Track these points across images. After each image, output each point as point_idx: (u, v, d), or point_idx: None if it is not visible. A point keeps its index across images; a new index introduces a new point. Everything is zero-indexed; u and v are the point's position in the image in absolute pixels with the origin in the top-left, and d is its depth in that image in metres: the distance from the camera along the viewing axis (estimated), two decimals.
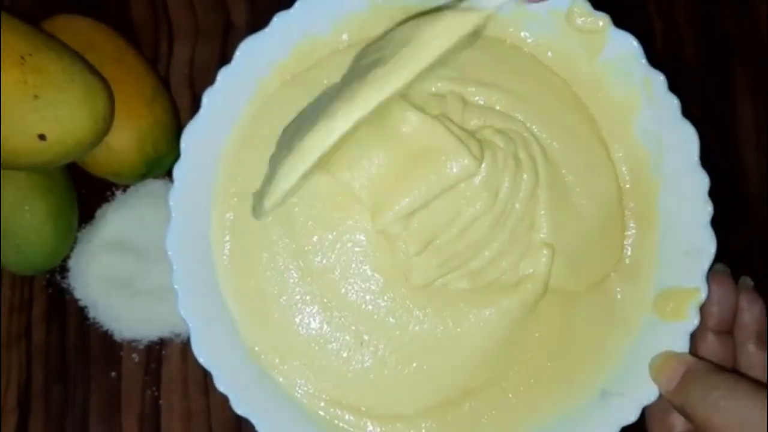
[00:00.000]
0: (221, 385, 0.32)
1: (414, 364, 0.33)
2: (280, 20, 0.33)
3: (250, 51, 0.33)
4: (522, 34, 0.34)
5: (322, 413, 0.33)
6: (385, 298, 0.33)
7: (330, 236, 0.33)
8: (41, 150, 0.32)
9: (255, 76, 0.34)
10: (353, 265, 0.33)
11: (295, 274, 0.33)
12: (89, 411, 0.41)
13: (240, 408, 0.32)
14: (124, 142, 0.37)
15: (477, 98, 0.34)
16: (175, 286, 0.32)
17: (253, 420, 0.32)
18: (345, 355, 0.33)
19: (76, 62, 0.33)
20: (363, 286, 0.33)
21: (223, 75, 0.33)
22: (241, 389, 0.32)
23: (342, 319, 0.33)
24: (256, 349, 0.33)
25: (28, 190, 0.37)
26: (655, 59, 0.33)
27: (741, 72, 0.45)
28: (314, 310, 0.33)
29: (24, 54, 0.31)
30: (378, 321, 0.33)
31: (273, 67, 0.34)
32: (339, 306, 0.33)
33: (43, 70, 0.31)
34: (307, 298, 0.33)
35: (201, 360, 0.32)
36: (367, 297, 0.33)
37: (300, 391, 0.33)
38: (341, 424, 0.33)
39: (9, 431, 0.41)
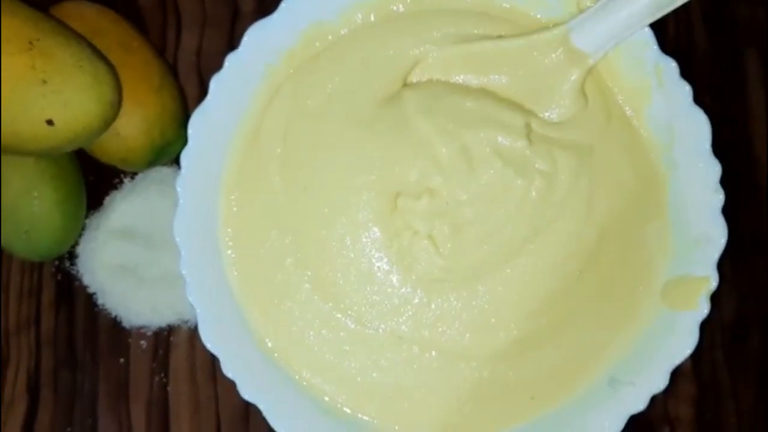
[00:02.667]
0: (228, 370, 0.32)
1: (415, 350, 0.33)
2: (287, 6, 0.33)
3: (258, 37, 0.33)
4: (533, 14, 0.34)
5: (327, 399, 0.33)
6: (389, 286, 0.33)
7: (330, 231, 0.33)
8: (49, 135, 0.32)
9: (263, 61, 0.34)
10: (354, 255, 0.33)
11: (296, 266, 0.33)
12: (97, 397, 0.41)
13: (247, 393, 0.32)
14: (132, 128, 0.37)
15: None
16: (183, 272, 0.32)
17: (260, 405, 0.32)
18: (346, 343, 0.33)
19: (84, 48, 0.33)
20: (364, 275, 0.33)
21: (231, 61, 0.33)
22: (248, 375, 0.32)
23: (344, 307, 0.33)
24: (263, 337, 0.33)
25: (37, 177, 0.37)
26: (665, 46, 0.33)
27: (753, 60, 0.44)
28: (317, 300, 0.33)
29: (32, 39, 0.31)
30: (382, 308, 0.33)
31: (281, 52, 0.34)
32: (340, 295, 0.33)
33: (51, 56, 0.31)
34: (308, 287, 0.33)
35: (208, 345, 0.32)
36: (369, 287, 0.33)
37: (305, 377, 0.33)
38: (346, 410, 0.33)
39: (18, 417, 0.41)
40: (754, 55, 0.44)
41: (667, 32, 0.45)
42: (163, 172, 0.42)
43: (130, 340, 0.42)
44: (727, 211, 0.32)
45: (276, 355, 0.33)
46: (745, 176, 0.43)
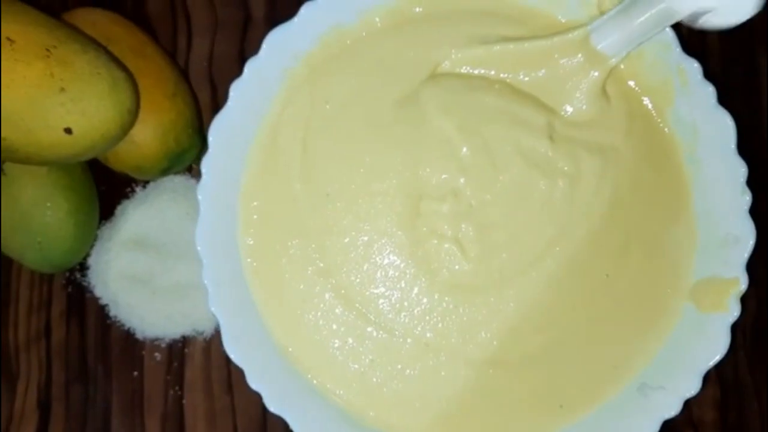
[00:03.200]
0: (253, 382, 0.31)
1: (442, 357, 0.32)
2: (307, 11, 0.33)
3: (277, 42, 0.33)
4: (554, 16, 0.34)
5: (353, 410, 0.33)
6: (416, 292, 0.33)
7: (354, 238, 0.33)
8: (67, 144, 0.31)
9: (282, 66, 0.33)
10: (379, 262, 0.33)
11: (319, 274, 0.33)
12: (111, 412, 0.40)
13: (273, 405, 0.31)
14: (147, 135, 0.36)
15: None
16: (205, 282, 0.32)
17: (286, 417, 0.31)
18: (372, 353, 0.33)
19: (101, 54, 0.32)
20: (390, 282, 0.33)
21: (251, 66, 0.33)
22: (273, 386, 0.31)
23: (369, 316, 0.33)
24: (286, 347, 0.33)
25: (50, 187, 0.36)
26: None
27: (766, 61, 0.44)
28: (341, 310, 0.33)
29: (49, 46, 0.30)
30: (408, 316, 0.33)
31: (300, 57, 0.34)
32: (365, 304, 0.33)
33: (69, 63, 0.30)
34: (332, 296, 0.33)
35: (233, 357, 0.31)
36: (395, 294, 0.33)
37: (330, 388, 0.33)
38: (372, 421, 0.33)
39: None
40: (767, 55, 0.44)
41: (680, 34, 0.45)
42: (175, 180, 0.41)
43: (143, 353, 0.41)
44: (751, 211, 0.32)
45: (300, 366, 0.33)
46: (759, 178, 0.43)
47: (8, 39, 0.30)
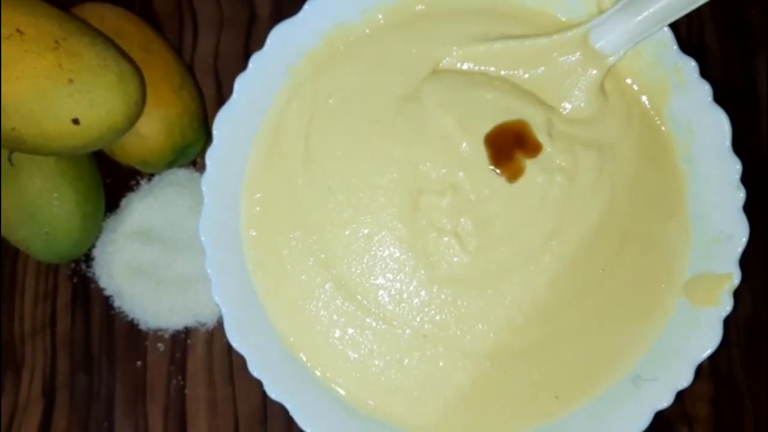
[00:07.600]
0: (255, 370, 0.32)
1: (440, 349, 0.33)
2: (311, 7, 0.34)
3: (282, 37, 0.34)
4: (554, 14, 0.34)
5: (352, 398, 0.33)
6: (415, 284, 0.33)
7: (354, 230, 0.33)
8: (75, 134, 0.32)
9: (285, 62, 0.34)
10: (379, 255, 0.33)
11: (320, 266, 0.33)
12: (114, 401, 0.41)
13: (274, 393, 0.32)
14: (153, 129, 0.37)
15: None
16: (208, 271, 0.32)
17: (287, 405, 0.32)
18: (371, 342, 0.33)
19: (109, 47, 0.33)
20: (390, 274, 0.33)
21: (255, 61, 0.33)
22: (275, 374, 0.32)
23: (369, 307, 0.33)
24: (287, 337, 0.33)
25: (57, 178, 0.37)
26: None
27: (765, 61, 0.45)
28: (341, 300, 0.33)
29: (58, 38, 0.31)
30: (407, 307, 0.33)
31: (303, 53, 0.34)
32: (365, 295, 0.33)
33: (77, 55, 0.31)
34: (332, 287, 0.33)
35: (235, 345, 0.32)
36: (395, 286, 0.33)
37: (330, 377, 0.33)
38: (370, 409, 0.33)
39: (34, 421, 0.41)
40: (766, 56, 0.45)
41: (679, 35, 0.45)
42: (179, 174, 0.42)
43: (147, 343, 0.41)
44: (745, 208, 0.32)
45: (301, 355, 0.33)
46: (757, 176, 0.43)
47: (18, 31, 0.30)
